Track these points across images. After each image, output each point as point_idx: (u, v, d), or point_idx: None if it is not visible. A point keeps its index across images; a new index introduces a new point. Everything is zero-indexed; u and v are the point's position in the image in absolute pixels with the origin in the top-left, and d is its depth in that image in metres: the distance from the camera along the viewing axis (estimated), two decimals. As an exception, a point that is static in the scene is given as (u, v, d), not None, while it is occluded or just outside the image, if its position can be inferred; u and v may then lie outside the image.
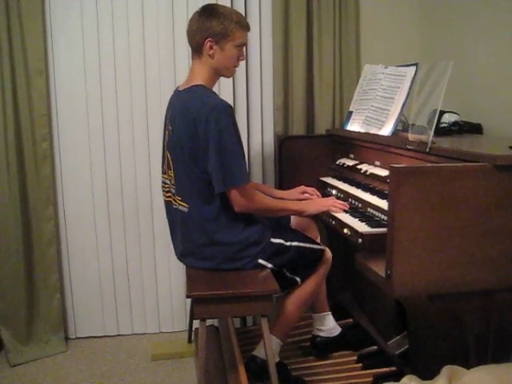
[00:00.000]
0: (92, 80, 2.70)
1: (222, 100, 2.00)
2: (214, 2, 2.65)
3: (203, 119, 1.90)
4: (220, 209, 2.00)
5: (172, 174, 2.09)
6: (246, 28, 2.09)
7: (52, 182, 2.70)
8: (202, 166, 1.95)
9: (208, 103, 1.93)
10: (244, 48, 2.11)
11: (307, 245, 2.16)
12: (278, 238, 2.11)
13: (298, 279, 2.13)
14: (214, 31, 1.99)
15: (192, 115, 1.93)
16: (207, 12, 2.03)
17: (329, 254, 2.23)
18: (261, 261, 2.06)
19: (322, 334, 2.41)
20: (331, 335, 2.41)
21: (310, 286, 2.17)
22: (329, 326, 2.41)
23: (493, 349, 1.55)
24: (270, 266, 2.07)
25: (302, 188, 2.39)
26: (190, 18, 2.06)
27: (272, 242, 2.08)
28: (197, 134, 1.92)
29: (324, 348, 2.41)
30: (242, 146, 2.02)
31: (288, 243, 2.11)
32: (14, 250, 2.62)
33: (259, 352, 2.15)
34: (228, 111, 1.94)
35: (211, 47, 2.01)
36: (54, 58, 2.66)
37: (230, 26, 2.00)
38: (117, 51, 2.70)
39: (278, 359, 2.14)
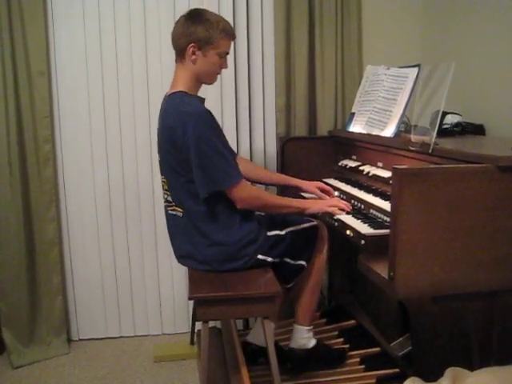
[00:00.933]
0: (94, 81, 2.71)
1: (199, 106, 1.98)
2: (216, 6, 2.66)
3: (180, 127, 1.90)
4: (215, 209, 2.00)
5: (165, 180, 2.11)
6: (232, 37, 2.07)
7: (54, 183, 2.70)
8: (187, 171, 1.95)
9: (183, 111, 1.92)
10: (227, 56, 2.09)
11: (301, 226, 2.17)
12: (274, 230, 2.12)
13: (303, 262, 2.15)
14: (198, 37, 1.97)
15: (169, 123, 1.95)
16: (193, 17, 2.01)
17: (322, 229, 2.23)
18: (260, 256, 2.07)
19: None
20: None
21: (315, 266, 2.21)
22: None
23: (496, 350, 1.55)
24: (269, 259, 2.08)
25: (320, 184, 2.33)
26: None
27: (268, 236, 2.09)
28: (176, 142, 1.93)
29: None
30: (226, 147, 1.99)
31: (283, 232, 2.12)
32: (17, 251, 2.62)
33: (294, 344, 2.29)
34: (205, 117, 1.92)
35: (194, 52, 1.99)
36: (56, 60, 2.66)
37: (214, 34, 1.99)
38: (119, 52, 2.70)
39: (314, 342, 2.29)
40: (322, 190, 2.31)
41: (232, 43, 2.11)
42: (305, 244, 2.17)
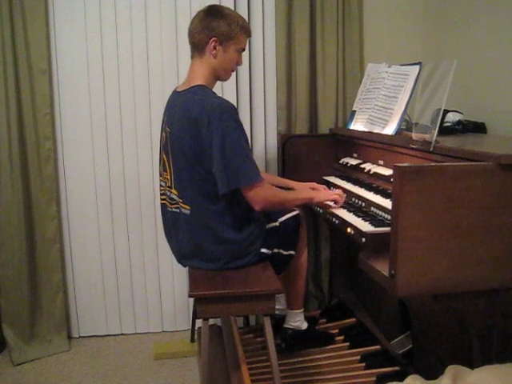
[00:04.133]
0: (95, 79, 2.70)
1: (225, 100, 1.97)
2: (217, 3, 2.66)
3: (205, 120, 1.87)
4: (226, 208, 2.00)
5: (168, 177, 2.09)
6: (249, 34, 2.11)
7: (55, 181, 2.70)
8: (206, 167, 1.93)
9: (210, 104, 1.90)
10: (242, 54, 2.12)
11: (289, 215, 2.24)
12: (271, 222, 2.17)
13: (293, 252, 2.22)
14: (219, 31, 1.99)
15: (194, 116, 1.90)
16: (214, 12, 2.02)
17: (300, 213, 2.30)
18: (263, 250, 2.11)
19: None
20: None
21: (301, 252, 2.29)
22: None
23: (497, 348, 1.55)
24: (269, 252, 2.12)
25: (311, 184, 2.36)
26: (192, 15, 2.04)
27: (267, 229, 2.14)
28: (199, 135, 1.90)
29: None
30: (248, 144, 1.99)
31: (278, 223, 2.19)
32: (18, 248, 2.62)
33: (289, 326, 2.41)
34: (231, 111, 1.92)
35: (215, 47, 2.01)
36: (58, 57, 2.66)
37: (235, 29, 2.01)
38: (120, 50, 2.70)
39: (305, 326, 2.43)
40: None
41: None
42: (293, 233, 2.23)
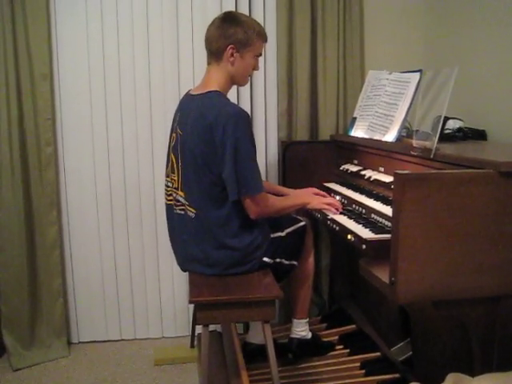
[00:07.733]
0: (96, 84, 2.71)
1: (239, 108, 2.00)
2: (218, 10, 2.67)
3: (220, 126, 1.89)
4: (230, 214, 2.01)
5: (175, 178, 2.10)
6: (265, 39, 2.13)
7: (56, 186, 2.70)
8: (215, 172, 1.95)
9: (226, 110, 1.93)
10: (259, 58, 2.14)
11: (296, 226, 2.24)
12: (276, 232, 2.17)
13: (295, 262, 2.22)
14: (237, 38, 2.01)
15: (209, 121, 1.92)
16: (230, 19, 2.04)
17: (307, 223, 2.30)
18: (265, 259, 2.10)
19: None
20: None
21: (307, 262, 2.31)
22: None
23: (498, 356, 1.54)
24: (271, 261, 2.12)
25: (313, 190, 2.38)
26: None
27: (272, 239, 2.14)
28: (213, 140, 1.91)
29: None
30: (256, 154, 2.02)
31: (284, 233, 2.18)
32: (18, 254, 2.62)
33: (295, 336, 2.39)
34: (246, 119, 1.95)
35: (232, 54, 2.02)
36: (59, 63, 2.67)
37: (252, 36, 2.03)
38: (121, 55, 2.71)
39: (310, 335, 2.41)
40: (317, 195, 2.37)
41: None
42: (298, 244, 2.24)
